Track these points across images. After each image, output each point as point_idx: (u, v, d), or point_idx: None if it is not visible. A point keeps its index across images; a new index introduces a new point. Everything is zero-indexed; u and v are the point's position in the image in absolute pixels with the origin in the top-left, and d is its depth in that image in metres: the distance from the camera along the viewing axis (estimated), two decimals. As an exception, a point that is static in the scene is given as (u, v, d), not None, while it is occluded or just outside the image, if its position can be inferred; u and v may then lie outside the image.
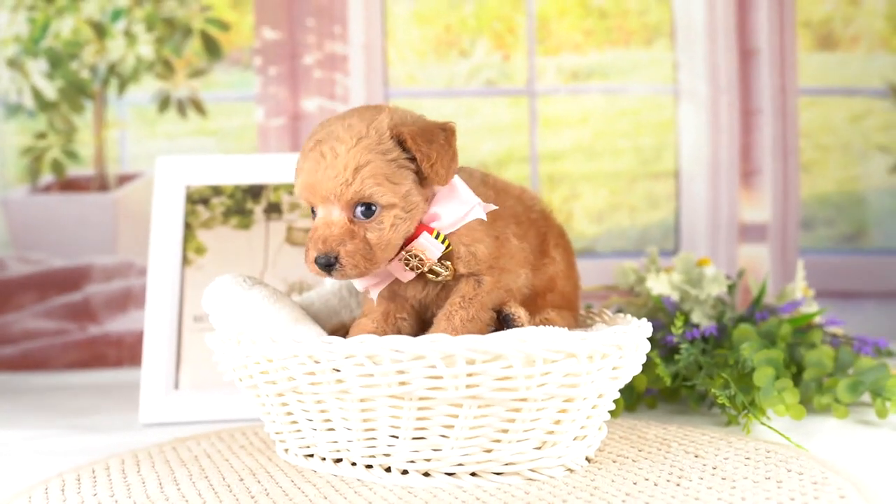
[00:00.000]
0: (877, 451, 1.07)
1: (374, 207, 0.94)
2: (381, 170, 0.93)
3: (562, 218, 1.87)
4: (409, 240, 0.97)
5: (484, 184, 1.04)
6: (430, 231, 0.97)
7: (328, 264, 0.94)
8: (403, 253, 0.97)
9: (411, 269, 0.97)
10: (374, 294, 1.01)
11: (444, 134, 0.96)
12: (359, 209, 0.94)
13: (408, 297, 1.02)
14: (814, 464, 0.97)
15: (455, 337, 0.88)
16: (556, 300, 1.08)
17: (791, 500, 0.85)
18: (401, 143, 0.95)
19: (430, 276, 0.98)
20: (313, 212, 0.97)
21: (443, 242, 0.97)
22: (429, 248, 0.96)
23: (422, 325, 1.04)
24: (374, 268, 0.95)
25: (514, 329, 0.94)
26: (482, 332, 0.96)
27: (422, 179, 0.96)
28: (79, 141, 1.79)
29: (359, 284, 1.01)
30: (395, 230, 0.95)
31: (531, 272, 1.04)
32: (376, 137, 0.94)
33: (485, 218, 0.98)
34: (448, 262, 0.97)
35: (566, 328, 1.04)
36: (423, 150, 0.94)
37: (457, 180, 0.98)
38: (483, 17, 1.87)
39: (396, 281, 1.00)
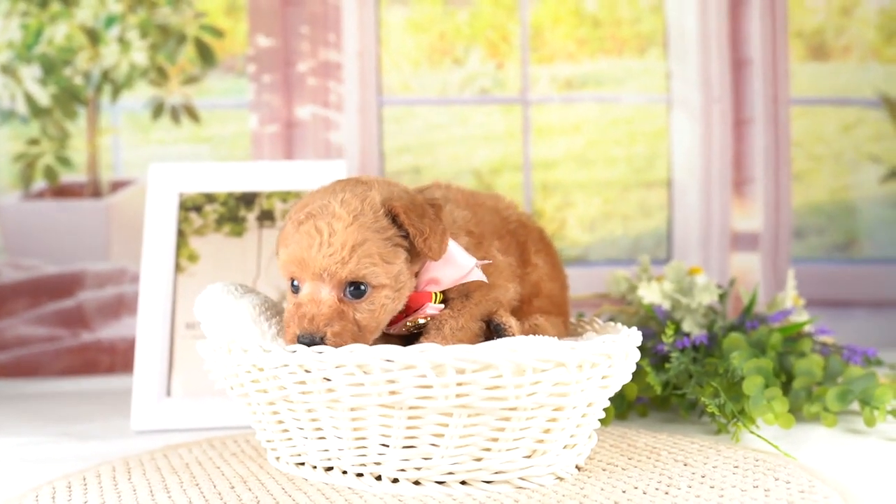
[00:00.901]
0: (865, 459, 1.07)
1: (364, 287, 0.93)
2: (377, 249, 0.92)
3: (555, 226, 1.87)
4: (410, 308, 0.97)
5: (458, 205, 1.04)
6: (430, 298, 0.97)
7: (312, 343, 0.92)
8: (408, 323, 0.97)
9: (409, 330, 0.98)
10: None
11: (433, 210, 0.96)
12: (349, 289, 0.93)
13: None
14: (801, 472, 0.97)
15: (445, 346, 0.88)
16: (544, 304, 1.08)
17: (778, 510, 0.86)
18: (393, 219, 0.94)
19: (412, 324, 0.99)
20: (294, 286, 0.95)
21: (442, 300, 0.98)
22: (429, 313, 0.98)
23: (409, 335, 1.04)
24: (366, 340, 0.95)
25: (504, 338, 0.94)
26: (472, 341, 0.97)
27: (412, 255, 0.96)
28: (72, 147, 1.79)
29: None
30: (384, 310, 0.95)
31: (517, 283, 1.05)
32: (372, 215, 0.93)
33: (485, 280, 0.98)
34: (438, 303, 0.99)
35: (556, 335, 1.05)
36: (416, 224, 0.93)
37: (451, 244, 0.97)
38: (477, 25, 1.88)
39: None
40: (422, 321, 0.98)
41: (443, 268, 0.97)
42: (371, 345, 0.92)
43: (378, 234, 0.93)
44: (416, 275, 0.97)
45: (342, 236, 0.91)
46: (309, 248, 0.92)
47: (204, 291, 1.06)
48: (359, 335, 0.94)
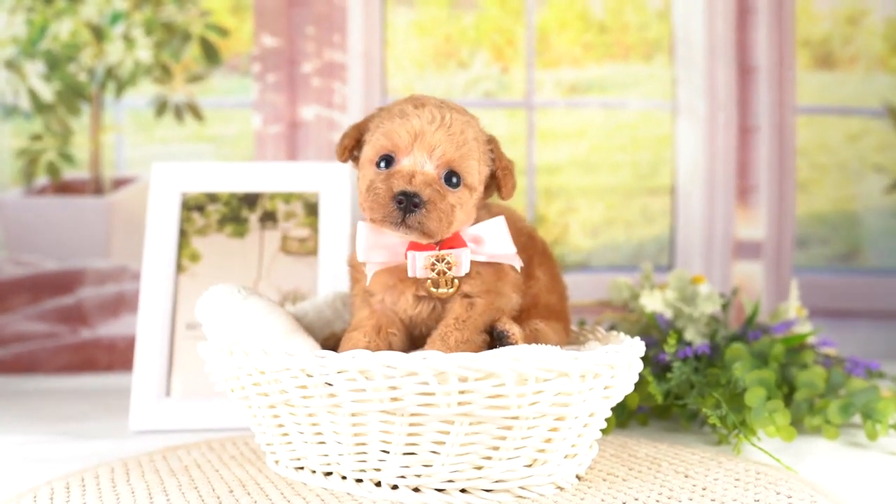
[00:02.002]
0: (866, 473, 1.07)
1: (457, 181, 0.95)
2: (479, 153, 0.98)
3: (557, 231, 1.87)
4: (444, 245, 0.97)
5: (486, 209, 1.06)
6: (465, 245, 0.97)
7: (413, 203, 0.92)
8: (438, 252, 0.96)
9: (434, 272, 0.96)
10: (371, 271, 0.98)
11: (510, 161, 1.02)
12: (447, 176, 0.95)
13: (398, 312, 1.01)
14: (803, 486, 0.97)
15: (448, 354, 0.87)
16: (541, 313, 1.08)
17: (780, 525, 0.85)
18: (490, 146, 1.00)
19: (431, 287, 0.98)
20: (386, 160, 0.96)
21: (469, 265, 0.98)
22: (462, 264, 0.97)
23: (411, 340, 1.03)
24: (444, 234, 0.95)
25: (507, 346, 0.94)
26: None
27: (485, 188, 1.00)
28: (75, 144, 1.79)
29: (367, 254, 0.98)
30: (462, 211, 0.96)
31: (520, 295, 1.04)
32: (478, 128, 0.99)
33: (521, 266, 1.00)
34: (457, 282, 0.98)
35: (557, 340, 1.05)
36: (503, 159, 1.01)
37: (504, 222, 1.00)
38: (483, 28, 1.87)
39: (392, 286, 1.00)
40: (442, 290, 0.97)
41: (492, 234, 0.99)
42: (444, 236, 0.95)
43: (480, 145, 0.98)
44: None
45: (460, 126, 0.96)
46: (430, 124, 0.95)
47: (206, 293, 1.05)
48: (451, 217, 0.94)
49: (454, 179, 0.95)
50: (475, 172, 0.97)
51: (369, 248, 0.97)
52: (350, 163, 1.04)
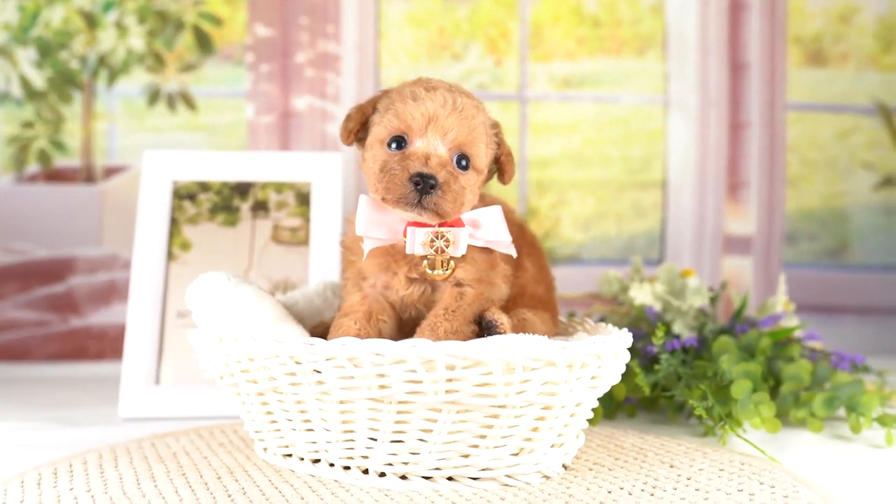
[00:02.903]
0: (849, 465, 1.08)
1: (467, 164, 0.97)
2: (487, 137, 1.00)
3: (549, 224, 1.87)
4: (444, 224, 0.98)
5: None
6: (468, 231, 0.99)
7: (429, 185, 0.93)
8: (438, 229, 0.97)
9: (433, 248, 0.97)
10: (368, 247, 0.99)
11: (509, 147, 1.05)
12: (458, 159, 0.97)
13: (390, 293, 1.02)
14: (786, 477, 0.98)
15: (436, 342, 0.88)
16: (528, 303, 1.09)
17: (763, 514, 0.86)
18: (495, 131, 1.02)
19: (427, 269, 0.98)
20: (398, 142, 0.97)
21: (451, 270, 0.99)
22: (461, 243, 0.98)
23: (400, 325, 1.04)
24: (455, 215, 0.96)
25: (495, 336, 0.94)
26: (465, 344, 0.97)
27: (487, 172, 1.02)
28: (66, 131, 1.79)
29: (367, 229, 0.98)
30: (470, 193, 0.98)
31: (508, 285, 1.05)
32: (485, 112, 1.01)
33: (515, 255, 1.02)
34: (452, 264, 0.99)
35: (543, 329, 1.05)
36: (505, 145, 1.03)
37: (501, 211, 1.02)
38: (477, 21, 1.87)
39: (386, 266, 1.01)
40: (437, 272, 0.98)
41: (489, 220, 1.00)
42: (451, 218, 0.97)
43: (487, 128, 1.00)
44: None
45: (472, 111, 0.98)
46: (443, 108, 0.96)
47: (197, 280, 1.06)
48: (462, 199, 0.96)
49: (464, 162, 0.97)
50: (483, 156, 0.99)
51: (369, 224, 0.98)
52: (355, 145, 1.04)
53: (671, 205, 1.90)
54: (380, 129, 0.99)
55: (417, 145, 0.96)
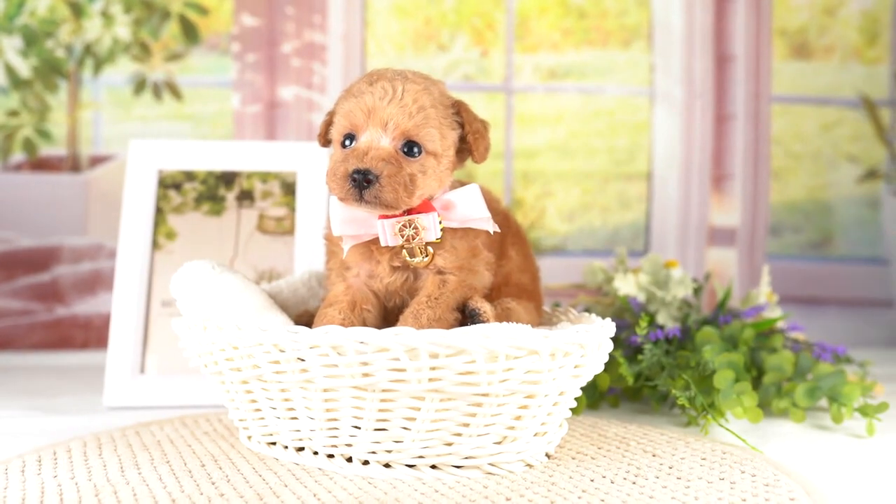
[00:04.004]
0: (830, 455, 1.09)
1: (418, 150, 0.97)
2: (439, 120, 0.99)
3: (534, 215, 1.88)
4: (413, 211, 0.99)
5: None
6: (434, 211, 0.99)
7: (366, 179, 0.94)
8: (404, 218, 0.98)
9: (403, 237, 0.98)
10: (347, 245, 1.00)
11: (482, 122, 1.04)
12: (405, 146, 0.97)
13: (373, 282, 1.02)
14: (767, 466, 0.98)
15: (419, 330, 0.88)
16: (512, 292, 1.09)
17: (742, 501, 0.87)
18: (456, 112, 1.01)
19: (406, 256, 0.99)
20: (349, 139, 0.98)
21: (440, 232, 1.00)
22: (429, 229, 0.98)
23: (385, 314, 1.05)
24: (406, 203, 0.97)
25: (479, 324, 0.95)
26: (447, 331, 0.97)
27: (456, 151, 1.02)
28: (52, 120, 1.78)
29: (342, 228, 1.00)
30: (430, 179, 0.98)
31: (492, 273, 1.06)
32: (438, 95, 1.00)
33: (496, 231, 1.02)
34: (431, 250, 0.99)
35: (528, 319, 1.06)
36: (473, 123, 1.02)
37: (478, 189, 1.02)
38: (463, 12, 1.87)
39: (369, 256, 1.01)
40: (417, 259, 0.99)
41: (464, 199, 1.01)
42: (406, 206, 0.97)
43: (442, 109, 1.00)
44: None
45: (414, 96, 0.98)
46: (381, 100, 0.97)
47: (181, 269, 1.06)
48: (411, 186, 0.96)
49: (415, 149, 0.97)
50: (436, 139, 0.98)
51: (343, 223, 1.00)
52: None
53: (656, 196, 1.91)
54: (333, 130, 1.01)
55: (361, 141, 0.98)
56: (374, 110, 0.97)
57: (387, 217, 0.98)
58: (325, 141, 1.05)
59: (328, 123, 1.04)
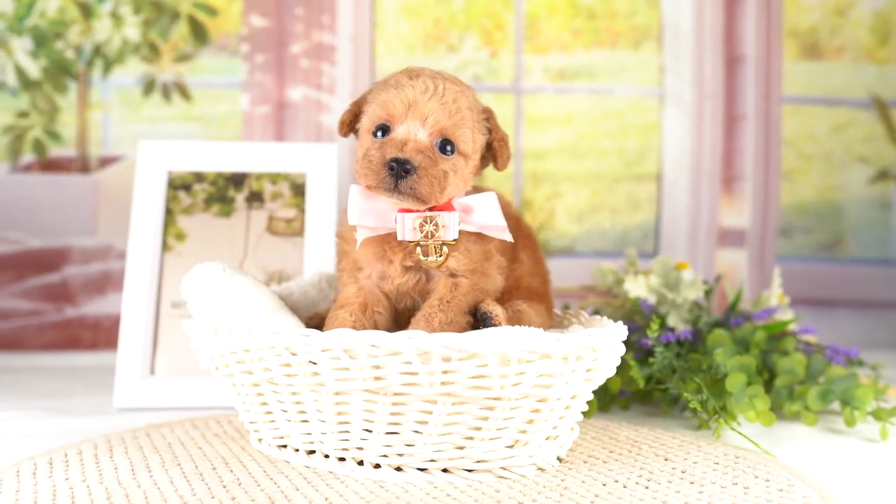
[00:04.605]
0: (844, 459, 1.08)
1: (451, 149, 0.98)
2: (473, 122, 1.00)
3: (543, 216, 1.87)
4: (435, 209, 0.99)
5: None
6: (454, 210, 0.99)
7: (404, 169, 0.94)
8: (426, 213, 0.98)
9: (423, 233, 0.98)
10: (361, 237, 1.00)
11: (505, 134, 1.05)
12: (439, 143, 0.97)
13: (385, 283, 1.02)
14: (780, 471, 0.98)
15: (431, 334, 0.88)
16: (523, 295, 1.09)
17: (757, 507, 0.86)
18: (485, 116, 1.02)
19: (420, 255, 0.99)
20: (382, 129, 0.98)
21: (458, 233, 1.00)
22: (450, 228, 0.98)
23: (395, 316, 1.04)
24: (437, 199, 0.97)
25: (491, 328, 0.94)
26: (459, 334, 0.97)
27: (481, 158, 1.03)
28: (61, 121, 1.78)
29: (360, 218, 0.99)
30: (456, 178, 0.98)
31: (503, 277, 1.05)
32: (472, 98, 1.01)
33: (511, 240, 1.02)
34: (445, 250, 0.99)
35: (538, 321, 1.05)
36: (499, 131, 1.03)
37: (495, 197, 1.02)
38: (472, 13, 1.87)
39: (381, 255, 1.01)
40: (431, 258, 0.99)
41: (483, 205, 1.01)
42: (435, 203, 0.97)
43: (475, 114, 1.00)
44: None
45: (454, 95, 0.98)
46: (423, 94, 0.97)
47: (192, 270, 1.06)
48: (444, 182, 0.96)
49: (448, 147, 0.98)
50: (469, 140, 0.99)
51: (361, 213, 0.99)
52: (352, 136, 1.06)
53: (666, 197, 1.90)
54: (366, 119, 1.01)
55: (398, 131, 0.97)
56: (415, 103, 0.97)
57: (408, 211, 0.98)
58: (348, 130, 1.05)
59: (354, 113, 1.04)
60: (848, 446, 1.14)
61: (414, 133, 0.97)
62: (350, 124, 1.04)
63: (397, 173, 0.94)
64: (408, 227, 0.98)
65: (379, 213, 0.99)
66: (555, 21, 1.89)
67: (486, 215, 1.00)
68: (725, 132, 1.91)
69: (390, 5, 1.85)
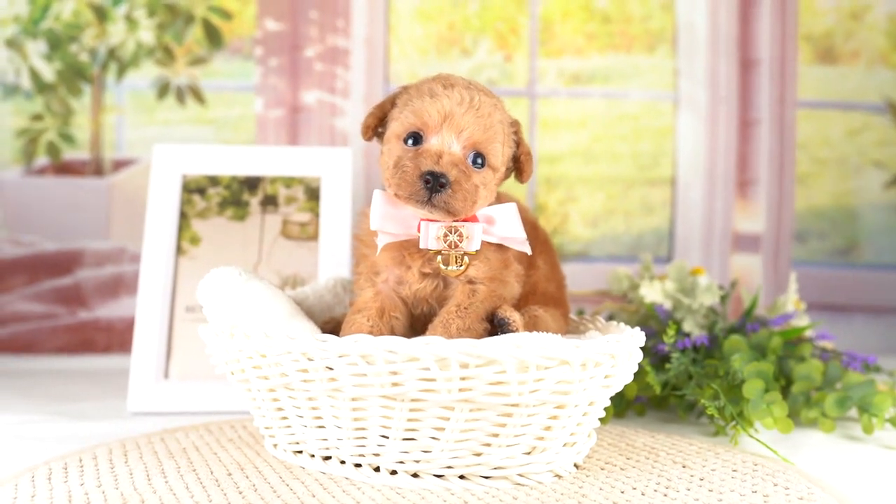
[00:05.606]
0: (862, 466, 1.07)
1: (482, 162, 0.97)
2: (503, 135, 0.99)
3: (557, 220, 1.87)
4: (461, 219, 0.98)
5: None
6: (477, 221, 0.99)
7: (439, 183, 0.94)
8: (451, 223, 0.97)
9: (446, 243, 0.97)
10: (382, 242, 0.99)
11: (529, 146, 1.05)
12: (472, 156, 0.97)
13: (402, 288, 1.01)
14: (800, 478, 0.97)
15: (449, 340, 0.88)
16: (539, 300, 1.09)
17: (777, 516, 0.85)
18: (514, 129, 1.02)
19: (440, 264, 0.98)
20: (413, 138, 0.97)
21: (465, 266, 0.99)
22: (473, 239, 0.98)
23: (412, 321, 1.04)
24: (468, 213, 0.96)
25: (508, 334, 0.94)
26: (477, 342, 0.97)
27: (505, 170, 1.02)
28: (75, 124, 1.78)
29: (382, 223, 0.98)
30: (484, 191, 0.98)
31: (521, 285, 1.05)
32: (503, 111, 1.01)
33: (530, 252, 1.02)
34: (467, 260, 0.99)
35: (555, 326, 1.05)
36: (524, 144, 1.03)
37: (516, 208, 1.02)
38: (486, 16, 1.87)
39: (400, 260, 1.00)
40: (451, 268, 0.98)
41: (504, 217, 1.00)
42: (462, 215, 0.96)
43: (505, 126, 1.00)
44: None
45: (489, 109, 0.98)
46: (459, 106, 0.96)
47: (208, 275, 1.05)
48: (475, 197, 0.96)
49: (479, 160, 0.97)
50: (499, 154, 0.98)
51: (383, 219, 0.98)
52: (374, 140, 1.05)
53: (680, 202, 1.90)
54: (397, 125, 0.99)
55: (432, 142, 0.96)
56: (451, 115, 0.96)
57: (432, 219, 0.97)
58: (373, 134, 1.04)
59: (379, 117, 1.02)
60: (866, 453, 1.13)
61: (448, 145, 0.96)
62: (375, 128, 1.03)
63: (433, 187, 0.94)
64: (431, 236, 0.97)
65: (401, 219, 0.98)
66: (569, 25, 1.88)
67: (507, 227, 1.00)
68: (740, 136, 1.90)
69: (404, 9, 1.84)
